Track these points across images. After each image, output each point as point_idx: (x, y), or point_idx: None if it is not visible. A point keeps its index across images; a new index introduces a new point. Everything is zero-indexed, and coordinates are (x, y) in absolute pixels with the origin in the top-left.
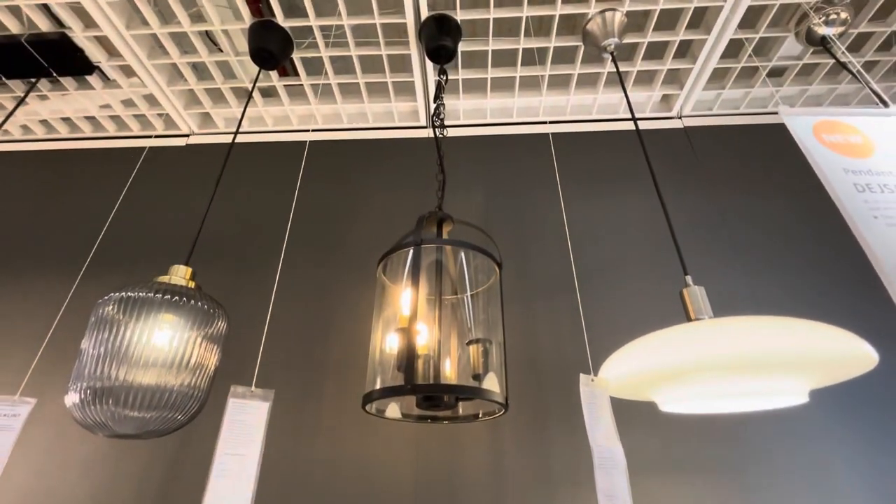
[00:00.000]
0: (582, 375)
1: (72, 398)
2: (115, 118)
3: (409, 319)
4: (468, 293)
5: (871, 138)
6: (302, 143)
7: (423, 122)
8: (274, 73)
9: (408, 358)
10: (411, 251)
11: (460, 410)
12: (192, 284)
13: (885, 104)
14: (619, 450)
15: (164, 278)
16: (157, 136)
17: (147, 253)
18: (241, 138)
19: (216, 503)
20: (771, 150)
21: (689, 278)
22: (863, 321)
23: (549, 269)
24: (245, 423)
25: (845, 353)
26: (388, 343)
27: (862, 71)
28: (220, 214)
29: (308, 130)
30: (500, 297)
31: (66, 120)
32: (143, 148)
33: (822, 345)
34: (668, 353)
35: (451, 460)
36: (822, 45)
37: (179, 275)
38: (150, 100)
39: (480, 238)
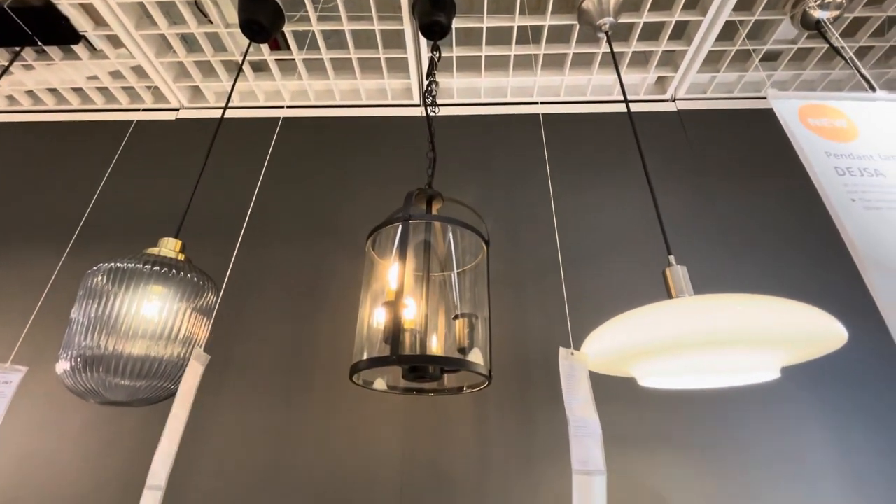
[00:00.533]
0: (561, 349)
1: (62, 366)
2: (104, 90)
3: (395, 293)
4: (455, 270)
5: (856, 123)
6: (294, 119)
7: (416, 101)
8: (265, 47)
9: (394, 330)
10: (400, 226)
11: (445, 383)
12: (181, 257)
13: (873, 89)
14: (595, 420)
15: (153, 250)
16: (146, 110)
17: (137, 226)
18: (232, 113)
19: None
20: (763, 134)
21: (672, 258)
22: (840, 301)
23: (537, 249)
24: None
25: (816, 331)
26: (375, 316)
27: (853, 56)
28: (211, 189)
29: (300, 107)
30: (487, 274)
31: (53, 91)
32: (132, 121)
33: (793, 321)
34: (646, 329)
35: (437, 433)
36: (817, 28)
37: (169, 247)
38: (139, 72)
39: (470, 216)
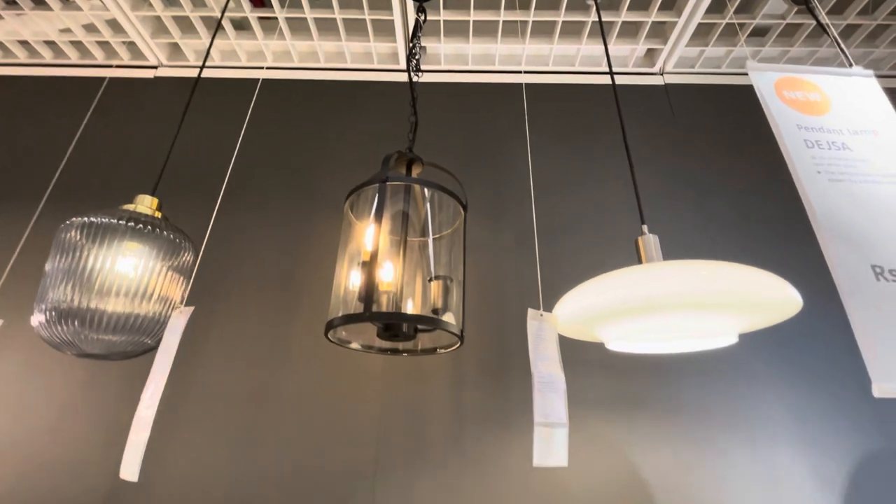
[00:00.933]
0: (530, 310)
1: (37, 318)
2: (78, 44)
3: (371, 253)
4: (431, 233)
5: (829, 97)
6: (277, 82)
7: (402, 66)
8: (247, 3)
9: (367, 288)
10: (377, 188)
11: (420, 345)
12: (157, 214)
13: (850, 64)
14: (560, 377)
15: (128, 207)
16: (122, 66)
17: (115, 184)
18: (213, 73)
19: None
20: (747, 111)
21: (645, 227)
22: (812, 273)
23: (514, 218)
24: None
25: (772, 296)
26: (351, 276)
27: (836, 34)
28: (191, 150)
29: (283, 68)
30: (464, 239)
31: (25, 44)
32: (107, 78)
33: (751, 286)
34: (612, 291)
35: (415, 393)
36: (805, 4)
37: (145, 204)
38: (114, 25)
39: (449, 181)
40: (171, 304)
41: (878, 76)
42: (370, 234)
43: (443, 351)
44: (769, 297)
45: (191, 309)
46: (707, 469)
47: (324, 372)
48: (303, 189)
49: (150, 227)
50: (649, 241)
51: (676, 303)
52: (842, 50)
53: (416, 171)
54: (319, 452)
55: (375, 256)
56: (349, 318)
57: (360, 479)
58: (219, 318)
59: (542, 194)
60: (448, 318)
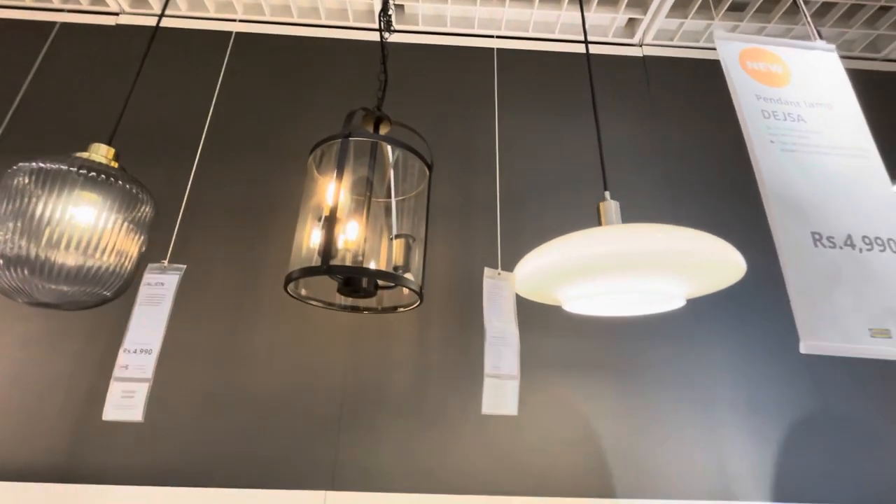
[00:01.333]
0: (487, 269)
1: None
2: None
3: (331, 207)
4: (395, 192)
5: (791, 69)
6: (248, 36)
7: (378, 25)
8: None
9: (326, 242)
10: (339, 143)
11: (382, 304)
12: (114, 164)
13: (819, 37)
14: (514, 332)
15: (82, 154)
16: (80, 11)
17: (71, 134)
18: (178, 23)
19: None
20: (723, 85)
21: (607, 194)
22: (761, 242)
23: (480, 182)
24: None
25: (718, 258)
26: (312, 230)
27: (807, 11)
28: (162, 104)
29: (255, 22)
30: (428, 199)
31: None
32: (63, 23)
33: (698, 248)
34: (566, 252)
35: (381, 350)
36: None
37: (100, 153)
38: None
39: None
40: (128, 257)
41: (851, 57)
42: (331, 190)
43: (403, 309)
44: (713, 260)
45: (183, 267)
46: (655, 427)
47: (292, 328)
48: (274, 147)
49: (104, 175)
50: (610, 207)
51: (626, 262)
52: (808, 23)
53: (383, 130)
54: (285, 406)
55: (335, 211)
56: (307, 271)
57: (325, 431)
58: (187, 274)
59: (509, 160)
60: (409, 276)
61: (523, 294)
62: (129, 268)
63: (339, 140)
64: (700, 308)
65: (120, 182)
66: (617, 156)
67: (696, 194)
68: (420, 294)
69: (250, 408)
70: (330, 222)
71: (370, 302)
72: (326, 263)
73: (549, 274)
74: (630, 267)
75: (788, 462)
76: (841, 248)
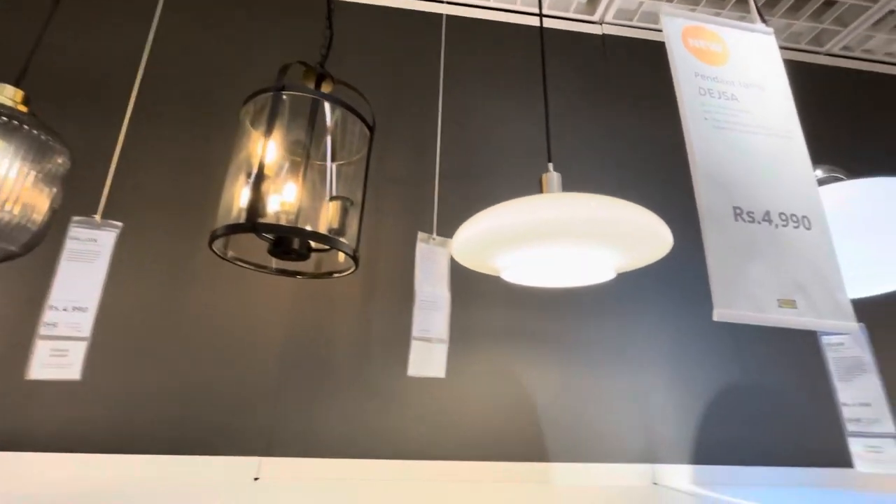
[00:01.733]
0: (420, 233)
1: None
2: None
3: (259, 162)
4: (330, 152)
5: (729, 49)
6: None
7: None
8: None
9: (252, 198)
10: (272, 97)
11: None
12: (23, 109)
13: (763, 21)
14: (445, 297)
15: None
16: None
17: None
18: None
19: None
20: None
21: (550, 165)
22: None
23: (424, 150)
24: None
25: (646, 230)
26: (241, 188)
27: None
28: (90, 54)
29: None
30: (367, 161)
31: None
32: None
33: (627, 218)
34: (504, 217)
35: (322, 317)
36: None
37: (6, 95)
38: None
39: (363, 106)
40: (37, 211)
41: (797, 49)
42: (262, 146)
43: (338, 275)
44: (643, 232)
45: (120, 225)
46: (588, 395)
47: (230, 291)
48: (209, 103)
49: (6, 118)
50: (552, 179)
51: (560, 230)
52: (756, 10)
53: (326, 89)
54: (220, 371)
55: (262, 167)
56: (232, 228)
57: (262, 397)
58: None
59: (454, 130)
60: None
61: (463, 262)
62: (39, 221)
63: (272, 94)
64: (635, 283)
65: (26, 127)
66: (568, 133)
67: (644, 175)
68: (355, 259)
69: (183, 373)
70: (258, 179)
71: (306, 266)
72: (251, 220)
73: (485, 240)
74: (563, 234)
75: (710, 428)
76: (759, 222)
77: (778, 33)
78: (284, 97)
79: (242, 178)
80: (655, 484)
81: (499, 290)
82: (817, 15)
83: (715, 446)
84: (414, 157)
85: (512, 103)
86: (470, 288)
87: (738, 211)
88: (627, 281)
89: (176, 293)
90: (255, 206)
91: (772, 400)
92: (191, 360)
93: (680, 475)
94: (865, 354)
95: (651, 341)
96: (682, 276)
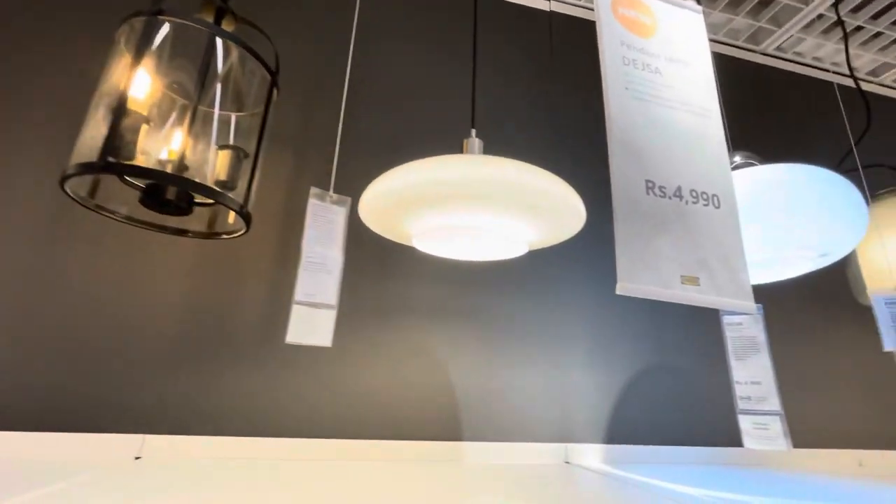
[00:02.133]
0: (314, 188)
1: None
2: None
3: (122, 93)
4: (220, 93)
5: (658, 22)
6: None
7: None
8: None
9: (109, 132)
10: (144, 21)
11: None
12: None
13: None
14: (337, 259)
15: None
16: None
17: None
18: None
19: None
20: None
21: (473, 131)
22: None
23: (325, 108)
24: None
25: (559, 201)
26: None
27: None
28: None
29: None
30: (266, 109)
31: None
32: None
33: (542, 186)
34: (417, 174)
35: (224, 286)
36: None
37: None
38: None
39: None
40: None
41: (736, 46)
42: (138, 77)
43: (227, 237)
44: (556, 202)
45: None
46: (506, 373)
47: (116, 253)
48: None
49: None
50: (473, 144)
51: (473, 192)
52: None
53: (227, 27)
54: (105, 341)
55: (125, 99)
56: (85, 168)
57: (151, 370)
58: None
59: (369, 90)
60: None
61: (371, 225)
62: None
63: (146, 18)
64: (555, 261)
65: None
66: (503, 106)
67: (577, 155)
68: (243, 216)
69: (63, 344)
70: (118, 112)
71: (192, 224)
72: (104, 158)
73: (394, 199)
74: (478, 197)
75: (625, 408)
76: (670, 198)
77: (718, 28)
78: (167, 25)
79: (105, 109)
80: (567, 463)
81: (417, 264)
82: (755, 13)
83: (630, 425)
84: (329, 115)
85: (443, 70)
86: (385, 260)
87: (650, 184)
88: (548, 258)
89: (51, 254)
90: (113, 143)
91: (685, 379)
92: (68, 329)
93: (592, 454)
94: (760, 334)
95: (571, 319)
96: (602, 255)
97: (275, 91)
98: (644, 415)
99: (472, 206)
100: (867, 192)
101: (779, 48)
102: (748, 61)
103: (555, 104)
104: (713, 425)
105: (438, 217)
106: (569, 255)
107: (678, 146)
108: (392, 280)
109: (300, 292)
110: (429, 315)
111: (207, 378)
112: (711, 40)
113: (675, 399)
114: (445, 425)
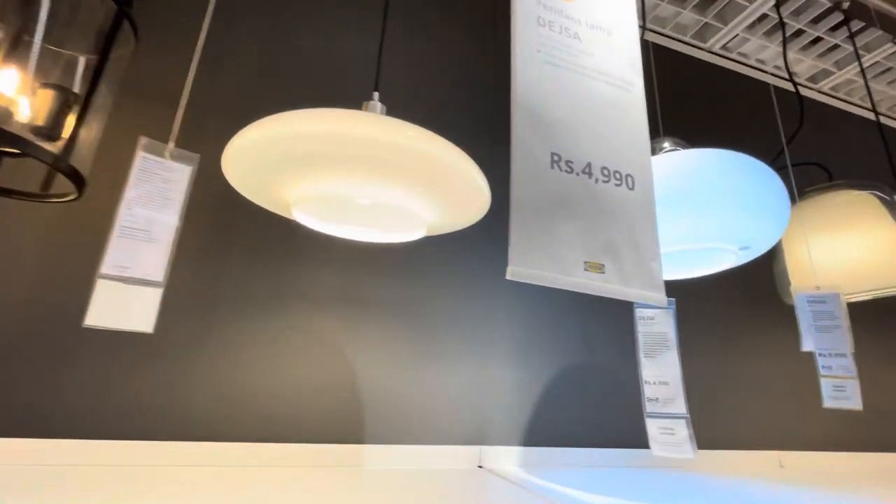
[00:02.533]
0: (143, 138)
1: None
2: None
3: None
4: (45, 22)
5: None
6: None
7: None
8: None
9: None
10: None
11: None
12: None
13: None
14: (170, 225)
15: None
16: None
17: None
18: None
19: None
20: None
21: (376, 94)
22: None
23: (217, 50)
24: None
25: (461, 176)
26: None
27: None
28: None
29: None
30: (108, 45)
31: None
32: None
33: (446, 158)
34: (296, 124)
35: (85, 264)
36: None
37: None
38: None
39: None
40: None
41: (683, 41)
42: None
43: (56, 200)
44: (456, 176)
45: None
46: (421, 371)
47: None
48: None
49: None
50: (374, 107)
51: (363, 153)
52: None
53: None
54: None
55: None
56: None
57: (54, 358)
58: None
59: (255, 43)
60: (58, 145)
61: (240, 188)
62: None
63: None
64: (476, 251)
65: None
66: (426, 75)
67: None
68: (66, 172)
69: None
70: None
71: (24, 185)
72: None
73: (268, 154)
74: (369, 162)
75: (546, 408)
76: (578, 174)
77: (666, 22)
78: None
79: None
80: (480, 467)
81: (324, 249)
82: (702, 8)
83: (551, 426)
84: (211, 67)
85: (341, 22)
86: (285, 243)
87: (555, 158)
88: (467, 248)
89: None
90: None
91: (612, 378)
92: None
93: (506, 457)
94: (671, 331)
95: (492, 313)
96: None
97: (126, 25)
98: (567, 415)
99: (362, 173)
100: (795, 190)
101: (724, 47)
102: (694, 57)
103: (484, 80)
104: (636, 426)
105: (321, 185)
106: (491, 243)
107: (592, 119)
108: (286, 261)
109: (108, 263)
110: (327, 303)
111: (63, 373)
112: (659, 34)
113: (599, 398)
114: (349, 427)
